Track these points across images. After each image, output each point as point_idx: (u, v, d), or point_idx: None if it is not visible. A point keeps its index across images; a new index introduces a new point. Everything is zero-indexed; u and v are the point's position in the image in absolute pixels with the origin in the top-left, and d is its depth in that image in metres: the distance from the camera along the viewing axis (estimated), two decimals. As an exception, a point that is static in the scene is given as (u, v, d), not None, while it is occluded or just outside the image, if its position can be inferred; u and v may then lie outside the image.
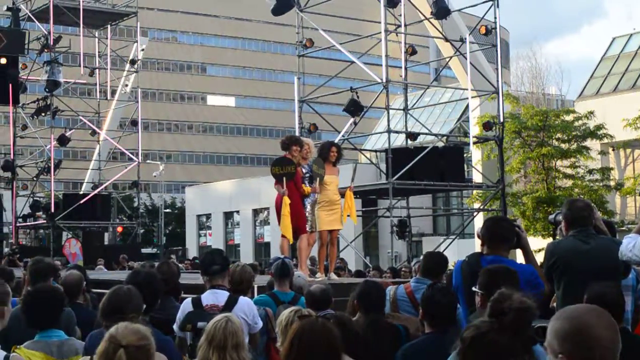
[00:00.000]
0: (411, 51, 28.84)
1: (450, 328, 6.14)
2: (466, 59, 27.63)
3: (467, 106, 34.11)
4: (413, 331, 7.21)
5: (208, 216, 66.21)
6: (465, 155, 31.05)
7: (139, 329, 4.13)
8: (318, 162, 13.76)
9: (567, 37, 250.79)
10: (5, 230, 35.65)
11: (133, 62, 38.14)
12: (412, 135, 28.97)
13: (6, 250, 30.95)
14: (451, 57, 32.47)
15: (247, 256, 56.09)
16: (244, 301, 7.46)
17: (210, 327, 5.38)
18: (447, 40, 29.31)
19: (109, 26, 37.73)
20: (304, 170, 13.56)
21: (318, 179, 13.66)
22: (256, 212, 60.99)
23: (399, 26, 28.80)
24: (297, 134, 27.87)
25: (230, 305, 7.28)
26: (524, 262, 6.90)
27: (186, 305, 7.44)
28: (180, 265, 26.78)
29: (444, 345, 5.52)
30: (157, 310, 6.84)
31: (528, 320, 3.90)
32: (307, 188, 13.51)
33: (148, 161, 63.11)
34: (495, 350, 3.56)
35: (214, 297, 7.45)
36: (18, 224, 35.52)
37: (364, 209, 36.01)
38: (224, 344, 5.29)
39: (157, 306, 6.85)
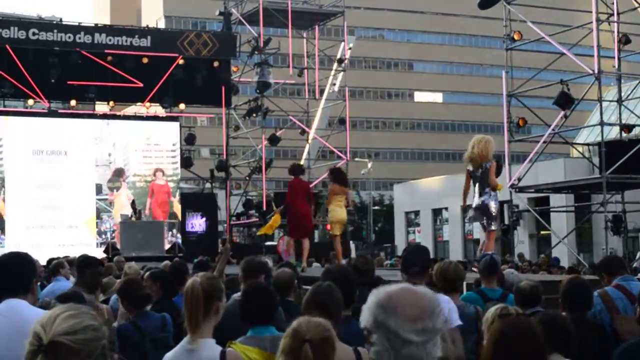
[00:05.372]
0: (625, 40, 27.93)
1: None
2: (684, 46, 26.46)
3: (686, 96, 32.64)
4: (624, 332, 6.93)
5: (416, 213, 66.11)
6: (685, 147, 29.73)
7: (321, 322, 4.13)
8: None
9: None
10: (220, 228, 36.74)
11: (340, 61, 38.57)
12: (626, 128, 28.07)
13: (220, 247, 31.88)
14: (668, 45, 31.16)
15: (456, 253, 55.70)
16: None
17: None
18: (663, 27, 28.17)
19: (316, 26, 38.35)
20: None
21: None
22: (465, 208, 60.59)
23: (612, 15, 27.93)
24: (505, 129, 27.53)
25: None
26: None
27: None
28: (389, 262, 27.04)
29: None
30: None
31: None
32: (500, 185, 13.83)
33: (356, 159, 63.75)
34: None
35: None
36: (232, 222, 36.63)
37: (576, 204, 35.17)
38: None
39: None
